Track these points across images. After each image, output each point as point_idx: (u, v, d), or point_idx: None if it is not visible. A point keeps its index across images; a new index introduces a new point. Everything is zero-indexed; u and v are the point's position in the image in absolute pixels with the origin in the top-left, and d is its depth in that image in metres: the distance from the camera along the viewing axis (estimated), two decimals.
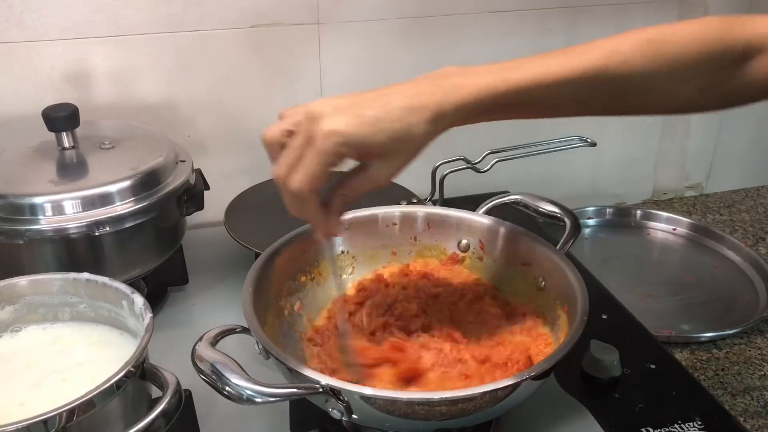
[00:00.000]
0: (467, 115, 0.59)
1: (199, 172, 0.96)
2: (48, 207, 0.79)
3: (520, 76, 0.59)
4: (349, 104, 0.57)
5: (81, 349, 0.69)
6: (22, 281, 0.71)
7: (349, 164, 0.59)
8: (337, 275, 0.72)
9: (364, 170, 0.59)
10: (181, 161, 0.92)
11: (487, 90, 0.58)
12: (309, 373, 0.58)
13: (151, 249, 0.88)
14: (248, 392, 0.56)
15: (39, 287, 0.71)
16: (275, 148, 0.59)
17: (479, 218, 0.83)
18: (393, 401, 0.57)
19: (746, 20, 0.60)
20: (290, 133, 0.58)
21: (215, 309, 0.93)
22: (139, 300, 0.65)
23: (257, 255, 0.76)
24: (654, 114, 0.67)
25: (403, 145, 0.57)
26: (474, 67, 0.60)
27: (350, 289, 0.81)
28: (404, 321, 0.74)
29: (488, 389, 0.58)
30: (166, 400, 0.57)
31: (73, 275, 0.71)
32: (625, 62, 0.59)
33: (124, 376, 0.57)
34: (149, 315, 0.63)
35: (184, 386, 0.69)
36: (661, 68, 0.59)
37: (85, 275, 0.70)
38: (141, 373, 0.60)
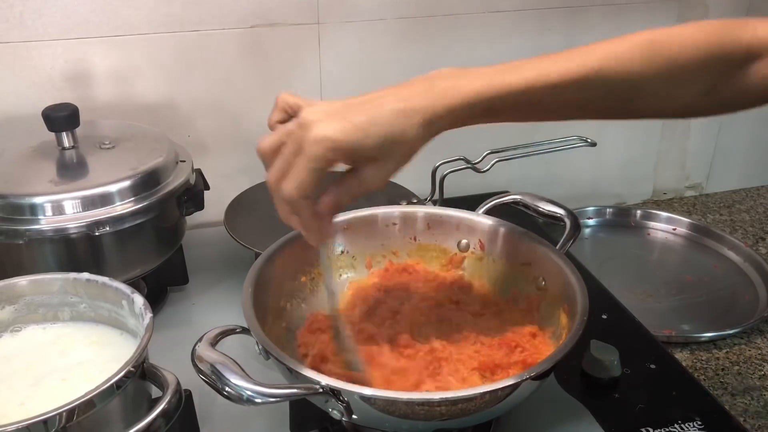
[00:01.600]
0: (461, 118, 0.58)
1: (199, 172, 0.96)
2: (48, 207, 0.79)
3: (514, 78, 0.58)
4: (339, 109, 0.56)
5: (81, 349, 0.69)
6: (22, 281, 0.71)
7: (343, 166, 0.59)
8: (331, 282, 0.71)
9: (356, 174, 0.58)
10: (181, 161, 0.92)
11: (482, 93, 0.57)
12: (309, 373, 0.58)
13: (151, 249, 0.88)
14: (248, 393, 0.56)
15: (39, 287, 0.71)
16: (269, 157, 0.58)
17: (479, 218, 0.83)
18: (393, 401, 0.57)
19: (747, 24, 0.60)
20: (283, 143, 0.57)
21: (215, 309, 0.93)
22: (139, 300, 0.66)
23: (257, 255, 0.76)
24: (652, 118, 0.67)
25: (395, 149, 0.57)
26: (468, 69, 0.59)
27: (346, 293, 0.82)
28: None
29: (488, 389, 0.58)
30: (166, 399, 0.57)
31: (73, 275, 0.71)
32: (623, 65, 0.58)
33: (124, 376, 0.57)
34: (149, 315, 0.63)
35: (184, 386, 0.69)
36: (660, 71, 0.59)
37: (85, 275, 0.70)
38: (141, 373, 0.60)
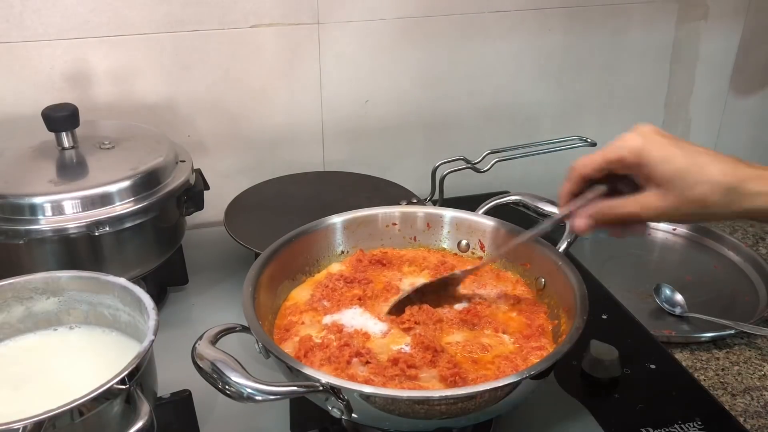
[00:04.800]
0: (757, 213, 0.58)
1: (199, 172, 0.96)
2: (48, 207, 0.79)
3: None
4: (667, 135, 0.60)
5: (81, 352, 0.70)
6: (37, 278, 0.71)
7: None
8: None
9: (638, 193, 0.61)
10: (181, 161, 0.92)
11: None
12: (309, 371, 0.58)
13: (151, 249, 0.88)
14: (248, 390, 0.56)
15: (49, 284, 0.71)
16: None
17: (479, 218, 0.83)
18: (393, 400, 0.57)
19: None
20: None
21: (215, 309, 0.93)
22: (152, 323, 0.64)
23: (257, 255, 0.76)
24: None
25: (688, 188, 0.57)
26: None
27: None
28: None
29: (488, 388, 0.58)
30: (136, 427, 0.57)
31: (76, 273, 0.71)
32: None
33: (108, 392, 0.57)
34: (151, 338, 0.62)
35: (183, 386, 0.70)
36: None
37: (96, 274, 0.71)
38: (126, 397, 0.59)
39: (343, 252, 0.83)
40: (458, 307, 0.75)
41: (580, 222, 0.65)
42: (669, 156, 0.58)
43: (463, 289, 0.78)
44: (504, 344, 0.70)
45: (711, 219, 0.60)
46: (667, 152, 0.58)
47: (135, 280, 0.86)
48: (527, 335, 0.71)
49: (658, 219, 0.60)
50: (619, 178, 0.63)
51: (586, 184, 0.65)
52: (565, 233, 0.78)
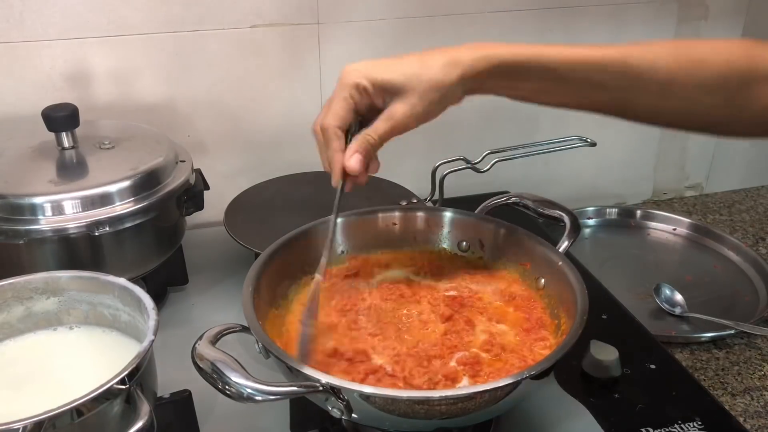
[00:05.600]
0: (482, 69, 0.62)
1: (199, 172, 0.96)
2: (48, 207, 0.79)
3: (542, 48, 0.62)
4: (380, 60, 0.65)
5: (81, 352, 0.70)
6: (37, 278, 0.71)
7: None
8: (333, 244, 0.74)
9: (385, 113, 0.64)
10: (181, 161, 0.92)
11: (507, 52, 0.62)
12: (309, 371, 0.58)
13: (151, 249, 0.88)
14: (248, 390, 0.56)
15: (50, 284, 0.71)
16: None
17: (479, 218, 0.83)
18: (393, 400, 0.57)
19: None
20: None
21: (215, 309, 0.93)
22: (152, 323, 0.64)
23: (257, 255, 0.76)
24: (667, 124, 0.67)
25: (418, 85, 0.62)
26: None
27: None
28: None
29: (488, 388, 0.58)
30: (136, 427, 0.57)
31: (77, 273, 0.71)
32: (649, 56, 0.61)
33: (108, 392, 0.57)
34: (150, 338, 0.62)
35: (183, 386, 0.70)
36: (686, 70, 0.60)
37: (96, 274, 0.71)
38: (126, 397, 0.59)
39: (343, 252, 0.83)
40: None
41: (350, 162, 0.66)
42: (390, 65, 0.64)
43: (450, 284, 0.79)
44: (505, 334, 0.70)
45: (450, 98, 0.65)
46: (388, 63, 0.65)
47: (135, 280, 0.87)
48: (527, 329, 0.71)
49: (413, 123, 0.65)
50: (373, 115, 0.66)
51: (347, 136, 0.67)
52: (565, 233, 0.78)
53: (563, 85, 0.64)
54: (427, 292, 0.78)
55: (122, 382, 0.58)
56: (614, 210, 1.36)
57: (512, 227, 0.80)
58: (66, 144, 0.87)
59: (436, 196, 1.06)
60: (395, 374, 0.65)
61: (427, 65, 0.63)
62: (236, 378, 0.56)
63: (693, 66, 0.60)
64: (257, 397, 0.56)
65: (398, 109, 0.64)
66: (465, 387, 0.61)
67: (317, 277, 0.70)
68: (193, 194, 0.92)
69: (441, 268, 0.82)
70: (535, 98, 0.67)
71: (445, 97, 0.64)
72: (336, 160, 0.66)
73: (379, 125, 0.65)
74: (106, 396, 0.57)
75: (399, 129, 0.65)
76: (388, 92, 0.64)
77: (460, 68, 0.62)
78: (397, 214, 0.85)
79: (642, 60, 0.61)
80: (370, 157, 0.67)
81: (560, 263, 0.74)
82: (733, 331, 1.00)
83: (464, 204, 0.87)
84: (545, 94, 0.66)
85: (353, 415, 0.59)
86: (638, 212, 1.34)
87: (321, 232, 0.81)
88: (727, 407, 0.78)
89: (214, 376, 0.57)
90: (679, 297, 1.06)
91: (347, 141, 0.66)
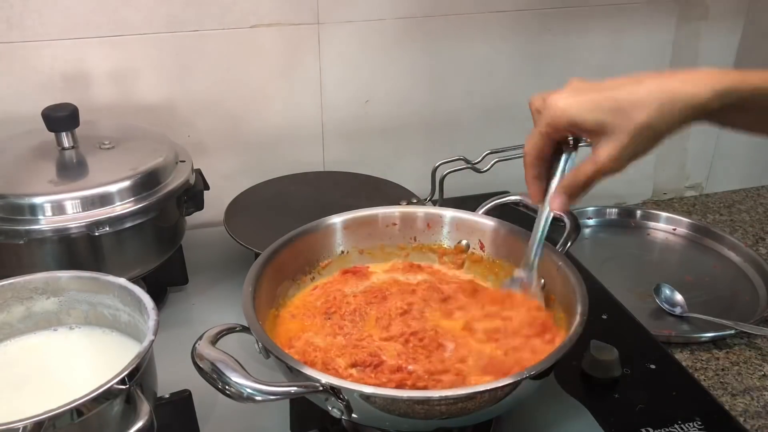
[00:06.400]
0: (708, 110, 0.57)
1: (199, 172, 0.96)
2: (48, 207, 0.79)
3: (760, 79, 0.57)
4: (585, 87, 0.61)
5: (81, 352, 0.70)
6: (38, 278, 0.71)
7: None
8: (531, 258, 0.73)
9: (591, 155, 0.61)
10: (181, 161, 0.92)
11: (735, 86, 0.56)
12: (309, 371, 0.58)
13: (151, 249, 0.88)
14: (248, 390, 0.56)
15: (50, 284, 0.71)
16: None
17: (479, 218, 0.83)
18: (393, 400, 0.57)
19: None
20: None
21: (215, 309, 0.93)
22: (152, 323, 0.64)
23: (257, 255, 0.76)
24: None
25: (627, 124, 0.58)
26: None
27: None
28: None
29: (488, 388, 0.58)
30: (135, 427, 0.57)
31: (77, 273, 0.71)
32: None
33: (108, 392, 0.57)
34: (150, 338, 0.62)
35: (183, 386, 0.70)
36: None
37: (96, 274, 0.71)
38: (126, 397, 0.59)
39: (342, 252, 0.83)
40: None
41: (555, 202, 0.66)
42: (595, 101, 0.59)
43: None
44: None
45: (666, 136, 0.60)
46: (592, 99, 0.59)
47: (135, 280, 0.87)
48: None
49: (621, 165, 0.61)
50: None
51: (548, 161, 0.67)
52: (565, 233, 0.78)
53: None
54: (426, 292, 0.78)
55: (122, 382, 0.58)
56: (614, 210, 1.36)
57: (512, 227, 0.80)
58: (66, 144, 0.87)
59: (436, 196, 1.06)
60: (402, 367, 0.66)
61: (641, 103, 0.57)
62: (236, 378, 0.56)
63: None
64: (257, 397, 0.56)
65: (604, 152, 0.60)
66: (465, 387, 0.61)
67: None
68: (193, 194, 0.92)
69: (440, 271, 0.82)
70: (750, 129, 0.63)
71: (661, 136, 0.60)
72: (531, 186, 0.68)
73: (586, 168, 0.62)
74: (106, 396, 0.57)
75: (606, 171, 0.61)
76: (594, 133, 0.60)
77: (678, 109, 0.57)
78: (397, 214, 0.85)
79: None
80: (576, 196, 0.65)
81: (560, 263, 0.73)
82: (733, 331, 1.00)
83: (464, 204, 0.87)
84: (763, 124, 0.62)
85: (353, 415, 0.59)
86: (638, 212, 1.34)
87: (321, 232, 0.81)
88: (727, 407, 0.78)
89: (214, 376, 0.57)
90: (679, 297, 1.06)
91: (557, 160, 0.67)
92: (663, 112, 0.57)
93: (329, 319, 0.73)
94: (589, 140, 0.62)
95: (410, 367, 0.65)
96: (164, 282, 0.96)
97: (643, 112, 0.57)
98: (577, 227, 0.78)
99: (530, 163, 0.66)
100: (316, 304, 0.76)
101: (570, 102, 0.60)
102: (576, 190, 0.65)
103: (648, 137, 0.59)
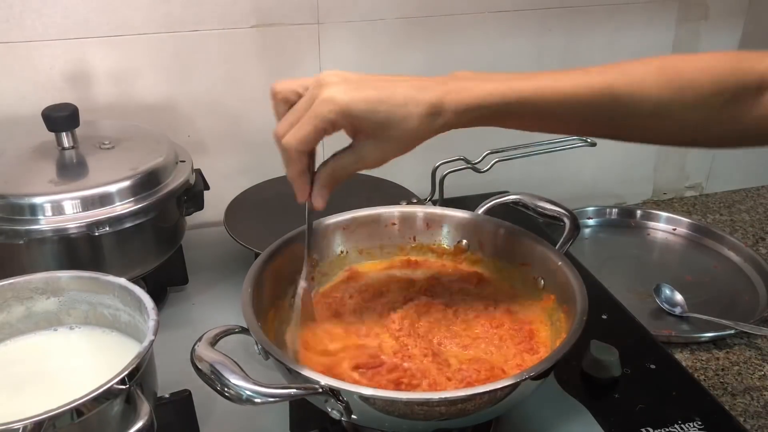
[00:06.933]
0: (468, 118, 0.60)
1: (199, 172, 0.96)
2: (48, 207, 0.79)
3: (527, 86, 0.59)
4: (356, 79, 0.59)
5: (81, 352, 0.70)
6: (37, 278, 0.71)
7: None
8: (310, 251, 0.73)
9: (354, 149, 0.61)
10: (181, 161, 0.92)
11: (492, 96, 0.59)
12: (308, 373, 0.58)
13: (151, 249, 0.88)
14: (247, 392, 0.56)
15: (50, 284, 0.71)
16: (281, 105, 0.62)
17: (479, 218, 0.83)
18: (392, 401, 0.57)
19: (763, 56, 0.60)
20: (299, 95, 0.61)
21: (215, 309, 0.93)
22: (152, 323, 0.64)
23: (257, 255, 0.76)
24: (660, 143, 0.67)
25: (395, 132, 0.59)
26: (484, 73, 0.61)
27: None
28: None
29: (487, 389, 0.58)
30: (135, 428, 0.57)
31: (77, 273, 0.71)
32: (634, 84, 0.59)
33: (108, 392, 0.57)
34: (150, 338, 0.62)
35: (183, 386, 0.70)
36: (671, 94, 0.59)
37: (96, 274, 0.71)
38: (126, 397, 0.59)
39: (342, 252, 0.83)
40: None
41: (317, 201, 0.64)
42: (371, 102, 0.57)
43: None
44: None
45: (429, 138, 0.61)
46: (368, 99, 0.57)
47: (135, 280, 0.87)
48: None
49: (383, 163, 0.61)
50: None
51: (311, 156, 0.64)
52: (565, 233, 0.78)
53: (552, 121, 0.63)
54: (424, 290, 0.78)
55: (122, 382, 0.58)
56: (614, 210, 1.36)
57: (512, 227, 0.80)
58: (66, 144, 0.87)
59: (436, 196, 1.06)
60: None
61: (407, 112, 0.58)
62: (235, 380, 0.56)
63: (679, 90, 0.59)
64: (256, 399, 0.56)
65: (370, 153, 0.60)
66: (465, 388, 0.61)
67: (302, 284, 0.71)
68: (193, 194, 0.92)
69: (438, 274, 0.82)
70: (524, 129, 0.65)
71: (422, 140, 0.60)
72: (298, 182, 0.63)
73: (347, 164, 0.62)
74: (106, 396, 0.57)
75: (368, 167, 0.62)
76: (362, 132, 0.60)
77: (442, 119, 0.59)
78: (397, 214, 0.85)
79: (628, 89, 0.60)
80: (333, 189, 0.65)
81: (560, 263, 0.73)
82: (733, 331, 1.00)
83: (464, 204, 0.87)
84: (534, 127, 0.65)
85: (353, 416, 0.59)
86: (638, 212, 1.34)
87: (321, 232, 0.81)
88: (727, 407, 0.78)
89: (213, 378, 0.57)
90: (679, 297, 1.06)
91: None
92: (427, 124, 0.59)
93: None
94: (348, 133, 0.61)
95: (405, 364, 0.66)
96: (164, 282, 0.96)
97: (409, 123, 0.58)
98: (576, 227, 0.79)
99: (297, 158, 0.61)
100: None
101: (352, 97, 0.57)
102: (336, 185, 0.64)
103: (411, 143, 0.60)
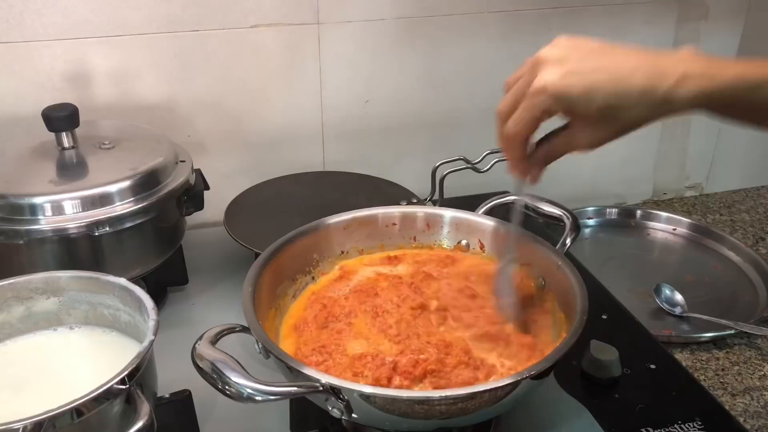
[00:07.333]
0: (704, 106, 0.54)
1: (199, 172, 0.96)
2: (48, 207, 0.79)
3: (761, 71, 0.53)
4: (576, 58, 0.56)
5: (81, 352, 0.70)
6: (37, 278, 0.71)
7: None
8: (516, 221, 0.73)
9: (569, 131, 0.60)
10: (181, 161, 0.92)
11: (742, 77, 0.53)
12: (309, 371, 0.58)
13: (151, 249, 0.88)
14: (248, 390, 0.56)
15: (50, 284, 0.71)
16: (509, 85, 0.62)
17: (479, 218, 0.83)
18: (392, 400, 0.57)
19: None
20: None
21: (215, 309, 0.93)
22: (152, 323, 0.64)
23: (257, 255, 0.76)
24: None
25: (614, 121, 0.56)
26: (711, 57, 0.56)
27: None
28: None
29: (488, 388, 0.58)
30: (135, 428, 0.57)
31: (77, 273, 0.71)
32: None
33: (108, 392, 0.57)
34: (150, 338, 0.62)
35: (183, 386, 0.70)
36: None
37: (96, 274, 0.71)
38: (126, 397, 0.59)
39: (342, 252, 0.83)
40: None
41: (534, 178, 0.65)
42: (591, 91, 0.54)
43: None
44: None
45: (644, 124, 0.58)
46: (586, 88, 0.54)
47: (135, 280, 0.87)
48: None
49: (595, 147, 0.59)
50: None
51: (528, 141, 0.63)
52: (565, 233, 0.78)
53: None
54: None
55: (122, 382, 0.58)
56: (614, 210, 1.36)
57: (512, 227, 0.80)
58: (66, 144, 0.87)
59: (436, 196, 1.06)
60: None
61: (629, 102, 0.54)
62: (236, 378, 0.56)
63: None
64: (257, 398, 0.56)
65: (582, 138, 0.59)
66: (465, 387, 0.61)
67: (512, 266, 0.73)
68: (193, 194, 0.92)
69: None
70: (748, 120, 0.58)
71: (644, 126, 0.57)
72: (519, 165, 0.63)
73: (558, 147, 0.62)
74: (106, 396, 0.57)
75: (581, 151, 0.60)
76: (576, 117, 0.58)
77: (674, 108, 0.54)
78: (397, 214, 0.85)
79: None
80: (546, 164, 0.65)
81: (560, 263, 0.74)
82: (733, 331, 1.00)
83: (464, 204, 0.88)
84: (761, 117, 0.57)
85: (353, 415, 0.59)
86: (638, 212, 1.34)
87: (321, 232, 0.81)
88: (727, 407, 0.78)
89: (213, 377, 0.57)
90: (679, 297, 1.06)
91: None
92: (649, 114, 0.56)
93: (325, 327, 0.72)
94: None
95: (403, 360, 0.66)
96: (164, 282, 0.96)
97: (630, 114, 0.56)
98: (576, 227, 0.79)
99: (520, 144, 0.61)
100: (308, 318, 0.74)
101: (567, 84, 0.55)
102: (549, 163, 0.64)
103: (629, 127, 0.58)
